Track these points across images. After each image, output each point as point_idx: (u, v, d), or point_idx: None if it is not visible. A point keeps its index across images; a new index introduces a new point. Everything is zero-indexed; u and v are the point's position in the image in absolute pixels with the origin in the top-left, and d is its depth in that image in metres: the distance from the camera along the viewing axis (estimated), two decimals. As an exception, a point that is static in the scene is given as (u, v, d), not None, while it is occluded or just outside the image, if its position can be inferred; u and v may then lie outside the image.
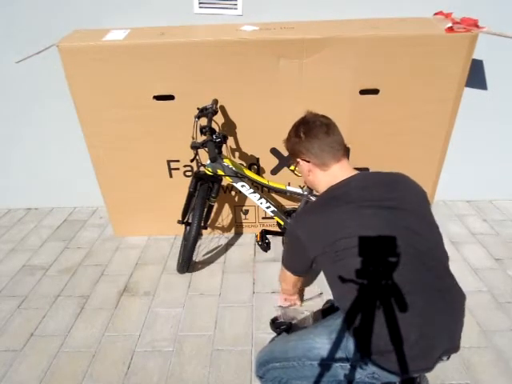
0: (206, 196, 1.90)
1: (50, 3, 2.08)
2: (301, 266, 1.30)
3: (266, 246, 1.83)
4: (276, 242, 2.30)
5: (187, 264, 2.01)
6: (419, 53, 1.79)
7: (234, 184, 1.91)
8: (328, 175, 1.23)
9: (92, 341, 1.73)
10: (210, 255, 2.27)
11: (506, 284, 1.94)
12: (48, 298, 1.99)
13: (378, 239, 1.06)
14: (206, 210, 1.95)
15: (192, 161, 1.72)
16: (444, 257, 1.15)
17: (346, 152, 1.26)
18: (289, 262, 1.35)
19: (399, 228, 1.08)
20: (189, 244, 1.92)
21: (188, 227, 2.03)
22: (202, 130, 1.75)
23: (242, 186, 1.91)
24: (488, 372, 1.51)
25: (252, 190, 1.93)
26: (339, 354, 1.14)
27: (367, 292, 1.06)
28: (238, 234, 2.46)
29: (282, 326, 1.72)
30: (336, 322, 1.20)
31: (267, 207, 1.97)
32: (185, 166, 2.17)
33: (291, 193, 1.95)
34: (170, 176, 2.21)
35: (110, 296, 1.99)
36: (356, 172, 1.22)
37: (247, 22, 2.01)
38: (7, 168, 2.64)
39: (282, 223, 2.03)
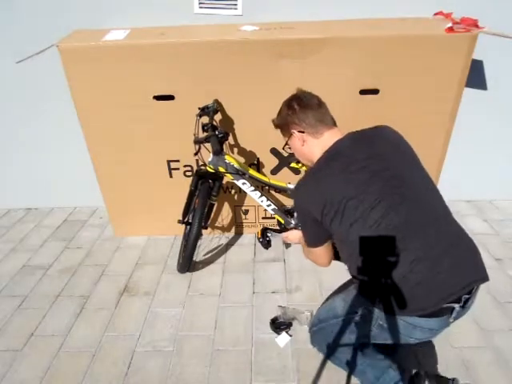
0: (207, 195, 1.90)
1: (50, 3, 2.08)
2: (321, 234, 1.32)
3: (266, 243, 1.84)
4: (276, 243, 2.31)
5: (188, 264, 2.01)
6: (419, 53, 1.79)
7: (235, 181, 1.92)
8: (321, 143, 1.30)
9: (92, 341, 1.73)
10: (210, 255, 2.27)
11: (506, 284, 1.94)
12: (48, 297, 1.99)
13: (368, 192, 1.15)
14: (206, 209, 1.95)
15: (195, 154, 1.75)
16: (435, 195, 1.23)
17: (335, 122, 1.36)
18: (311, 238, 1.37)
19: (385, 177, 1.17)
20: (189, 244, 1.92)
21: (188, 227, 2.03)
22: (204, 128, 1.77)
23: (243, 183, 1.91)
24: (488, 372, 1.51)
25: (253, 188, 1.93)
26: (350, 309, 1.30)
27: (367, 244, 1.16)
28: (238, 234, 2.45)
29: (282, 326, 1.73)
30: (348, 285, 1.37)
31: (268, 205, 1.98)
32: (185, 166, 2.17)
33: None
34: (170, 176, 2.21)
35: (110, 296, 1.99)
36: (344, 135, 1.30)
37: (247, 22, 2.01)
38: (7, 168, 2.64)
39: (282, 221, 2.03)
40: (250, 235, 2.43)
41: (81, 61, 1.84)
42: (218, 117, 1.95)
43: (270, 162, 2.16)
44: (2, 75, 2.29)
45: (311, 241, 1.37)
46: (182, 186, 2.09)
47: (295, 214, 2.02)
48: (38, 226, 2.63)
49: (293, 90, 1.90)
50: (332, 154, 1.25)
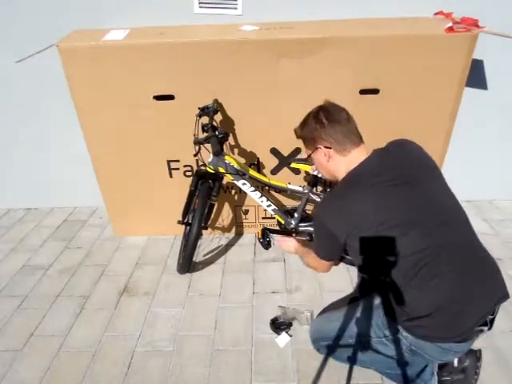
0: (207, 196, 1.90)
1: (50, 3, 2.08)
2: (334, 252, 1.32)
3: (267, 244, 1.84)
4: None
5: (188, 264, 2.01)
6: (419, 53, 1.79)
7: (236, 182, 1.91)
8: (347, 160, 1.25)
9: (92, 341, 1.73)
10: (210, 255, 2.27)
11: (506, 284, 1.93)
12: (48, 298, 1.99)
13: (397, 215, 1.13)
14: (206, 209, 1.95)
15: (195, 155, 1.75)
16: (463, 216, 1.21)
17: (362, 138, 1.30)
18: (323, 252, 1.35)
19: (413, 198, 1.15)
20: (189, 244, 1.91)
21: (188, 227, 2.03)
22: (204, 128, 1.77)
23: (243, 184, 1.91)
24: (488, 372, 1.51)
25: (253, 188, 1.93)
26: (375, 331, 1.26)
27: (393, 265, 1.13)
28: (238, 234, 2.45)
29: (282, 326, 1.73)
30: (364, 303, 1.32)
31: (268, 205, 1.98)
32: (185, 166, 2.17)
33: (292, 191, 1.96)
34: (170, 176, 2.21)
35: (110, 296, 1.99)
36: (370, 153, 1.26)
37: (247, 22, 2.00)
38: (7, 168, 2.64)
39: (282, 222, 2.03)
40: (250, 235, 2.42)
41: (80, 61, 1.84)
42: (217, 117, 1.95)
43: (270, 161, 2.15)
44: (2, 75, 2.29)
45: (325, 255, 1.36)
46: (182, 185, 2.09)
47: (295, 215, 2.01)
48: (37, 226, 2.63)
49: (293, 90, 1.92)
50: (358, 175, 1.22)
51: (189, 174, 2.19)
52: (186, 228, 2.08)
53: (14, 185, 2.71)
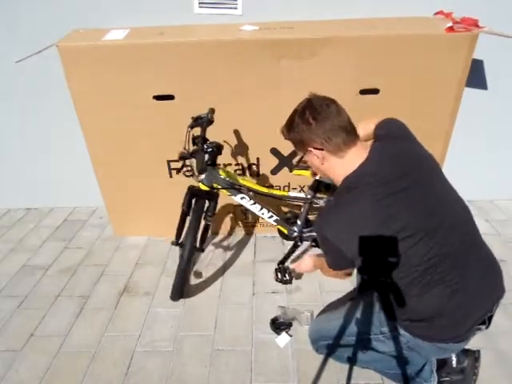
0: (200, 215, 1.77)
1: (50, 3, 2.08)
2: (343, 262, 1.22)
3: (289, 279, 1.71)
4: (276, 243, 2.30)
5: (180, 291, 1.88)
6: (419, 53, 1.79)
7: (233, 197, 1.81)
8: (344, 163, 1.14)
9: (92, 341, 1.73)
10: (210, 255, 2.27)
11: (508, 284, 1.92)
12: (48, 298, 1.99)
13: (404, 227, 1.07)
14: (201, 230, 1.82)
15: (178, 172, 1.63)
16: (468, 216, 1.20)
17: (357, 132, 1.18)
18: (331, 261, 1.28)
19: (420, 207, 1.10)
20: (179, 270, 1.78)
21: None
22: (195, 141, 1.64)
23: (242, 198, 1.81)
24: (488, 372, 1.51)
25: (252, 202, 1.83)
26: (373, 328, 1.26)
27: (400, 274, 1.11)
28: (239, 234, 2.45)
29: (282, 326, 1.72)
30: (362, 302, 1.34)
31: (269, 217, 1.91)
32: (185, 166, 2.17)
33: (294, 198, 1.89)
34: (170, 176, 2.21)
35: (110, 296, 1.99)
36: (367, 153, 1.15)
37: (247, 22, 2.00)
38: (7, 168, 2.64)
39: (285, 231, 1.98)
40: (250, 236, 2.42)
41: (80, 60, 1.84)
42: (217, 117, 1.93)
43: (270, 161, 2.15)
44: (2, 75, 2.29)
45: (337, 266, 1.28)
46: (182, 186, 2.08)
47: (298, 222, 1.95)
48: (37, 226, 2.63)
49: (293, 90, 1.90)
50: (358, 183, 1.12)
51: (189, 174, 2.19)
52: (180, 249, 1.93)
53: (14, 185, 2.71)
